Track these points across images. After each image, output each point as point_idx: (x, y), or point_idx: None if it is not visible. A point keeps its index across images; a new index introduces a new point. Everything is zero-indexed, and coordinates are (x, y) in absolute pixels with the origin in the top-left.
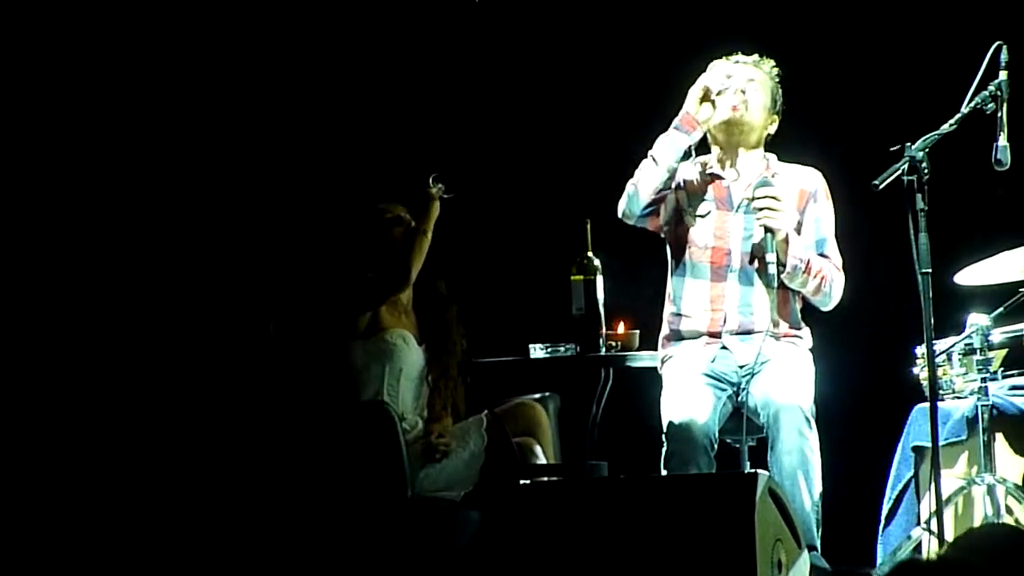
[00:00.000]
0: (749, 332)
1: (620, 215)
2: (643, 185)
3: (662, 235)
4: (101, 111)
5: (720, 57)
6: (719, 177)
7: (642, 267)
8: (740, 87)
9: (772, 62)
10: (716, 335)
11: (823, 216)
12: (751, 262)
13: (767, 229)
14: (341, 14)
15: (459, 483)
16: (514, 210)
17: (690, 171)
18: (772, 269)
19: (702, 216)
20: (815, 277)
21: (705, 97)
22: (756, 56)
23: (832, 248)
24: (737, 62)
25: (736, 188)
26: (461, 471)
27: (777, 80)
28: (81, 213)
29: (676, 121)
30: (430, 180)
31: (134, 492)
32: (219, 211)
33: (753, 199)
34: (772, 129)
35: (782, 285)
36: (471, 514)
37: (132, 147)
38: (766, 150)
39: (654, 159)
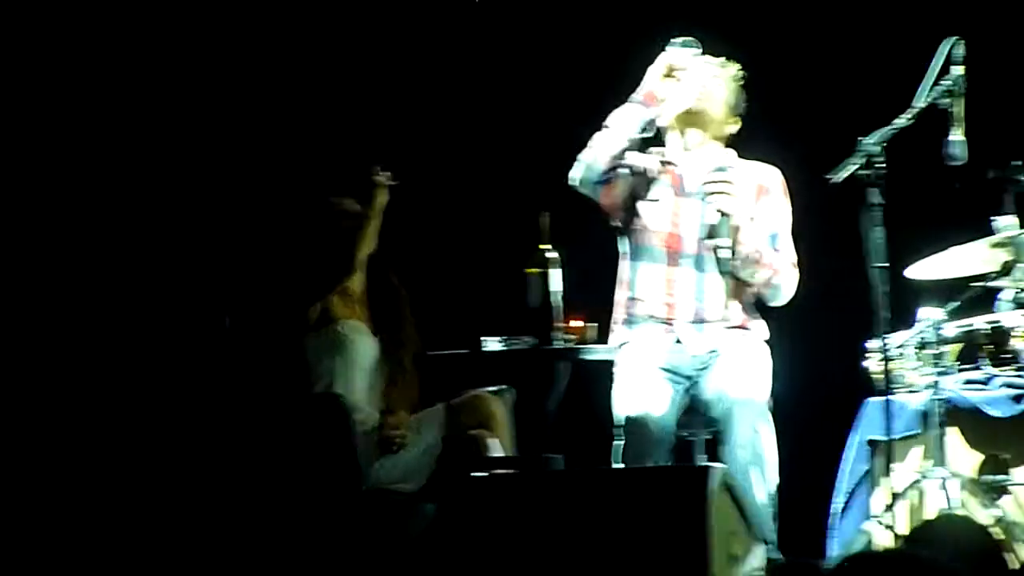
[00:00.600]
0: (702, 320)
1: (574, 181)
2: (600, 151)
3: (614, 222)
4: (47, 106)
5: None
6: (675, 165)
7: (599, 260)
8: (703, 80)
9: (738, 66)
10: (670, 322)
11: (778, 212)
12: (705, 249)
13: (720, 212)
14: (288, 12)
15: (414, 475)
16: (470, 203)
17: (647, 159)
18: (724, 253)
19: (657, 201)
20: (765, 268)
21: (668, 73)
22: (722, 59)
23: (785, 244)
24: (704, 57)
25: (692, 175)
26: (417, 463)
27: (740, 84)
28: (31, 208)
29: (637, 95)
30: (375, 168)
31: (85, 485)
32: (175, 207)
33: (708, 182)
34: (732, 130)
35: (735, 275)
36: (426, 507)
37: (86, 142)
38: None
39: (612, 128)
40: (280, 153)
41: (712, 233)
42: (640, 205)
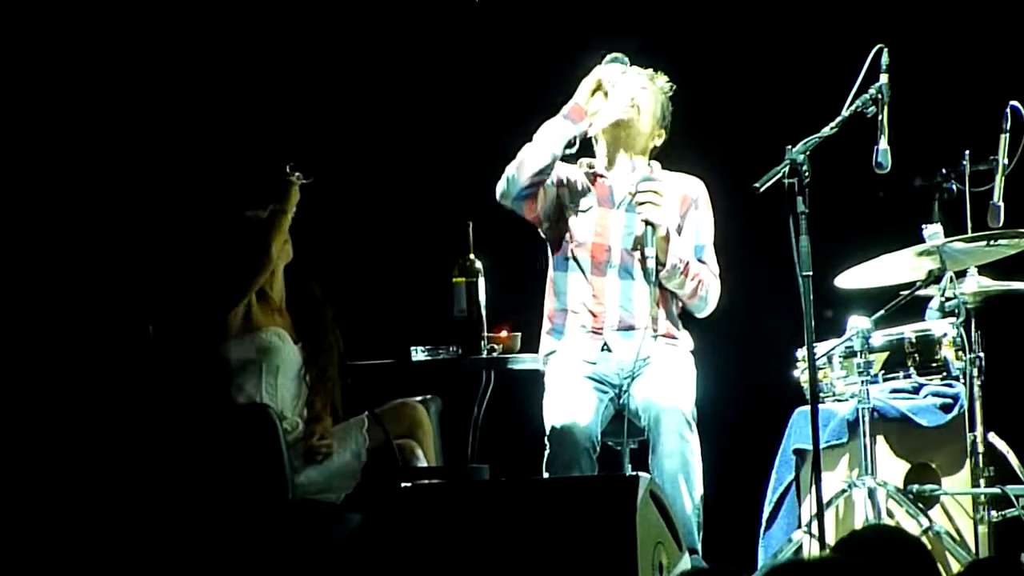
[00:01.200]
0: (630, 328)
1: (498, 196)
2: (525, 166)
3: (541, 232)
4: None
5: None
6: (602, 176)
7: (524, 269)
8: (632, 92)
9: (666, 78)
10: (598, 331)
11: (703, 223)
12: (631, 259)
13: (648, 223)
14: (208, 13)
15: (339, 484)
16: (396, 212)
17: (574, 171)
18: (651, 264)
19: (583, 211)
20: (692, 279)
21: (598, 88)
22: (651, 71)
23: (710, 255)
24: (632, 71)
25: (618, 187)
26: (342, 472)
27: (668, 96)
28: None
29: (565, 110)
30: (287, 168)
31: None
32: (97, 215)
33: (636, 192)
34: (658, 142)
35: (661, 285)
36: (352, 516)
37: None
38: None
39: (538, 142)
40: (200, 159)
41: (639, 243)
42: (567, 216)
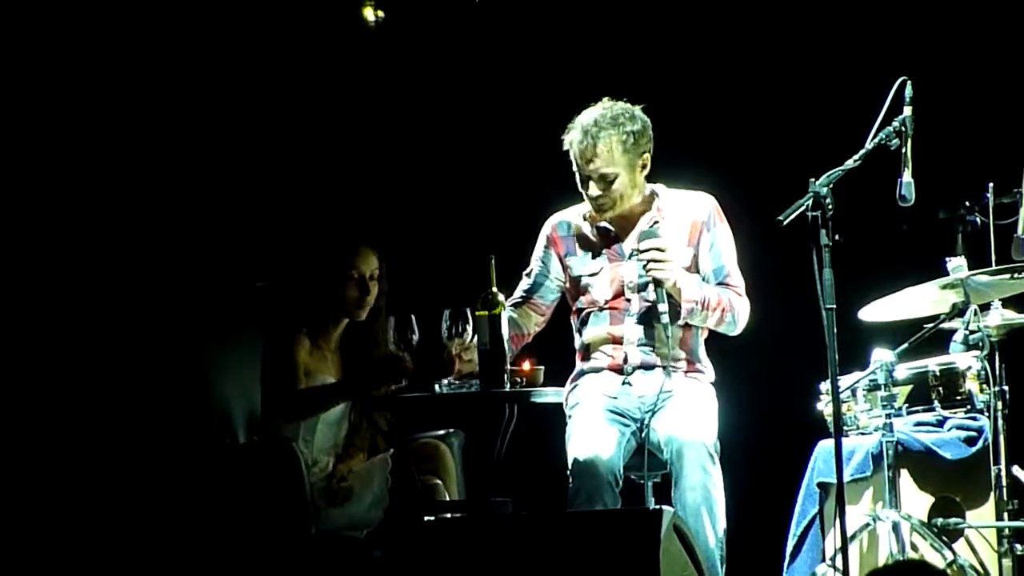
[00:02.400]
0: (651, 367)
1: None
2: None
3: (567, 297)
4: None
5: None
6: (607, 231)
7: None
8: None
9: (607, 105)
10: (619, 370)
11: (719, 241)
12: (647, 303)
13: (655, 281)
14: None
15: (362, 526)
16: (418, 246)
17: (579, 234)
18: (664, 319)
19: (595, 274)
20: (715, 311)
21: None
22: (595, 118)
23: (733, 273)
24: (584, 144)
25: (625, 239)
26: (363, 514)
27: (625, 121)
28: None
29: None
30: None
31: (38, 518)
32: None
33: (638, 251)
34: (646, 171)
35: (687, 323)
36: (374, 551)
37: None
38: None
39: None
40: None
41: (654, 295)
42: (581, 282)
